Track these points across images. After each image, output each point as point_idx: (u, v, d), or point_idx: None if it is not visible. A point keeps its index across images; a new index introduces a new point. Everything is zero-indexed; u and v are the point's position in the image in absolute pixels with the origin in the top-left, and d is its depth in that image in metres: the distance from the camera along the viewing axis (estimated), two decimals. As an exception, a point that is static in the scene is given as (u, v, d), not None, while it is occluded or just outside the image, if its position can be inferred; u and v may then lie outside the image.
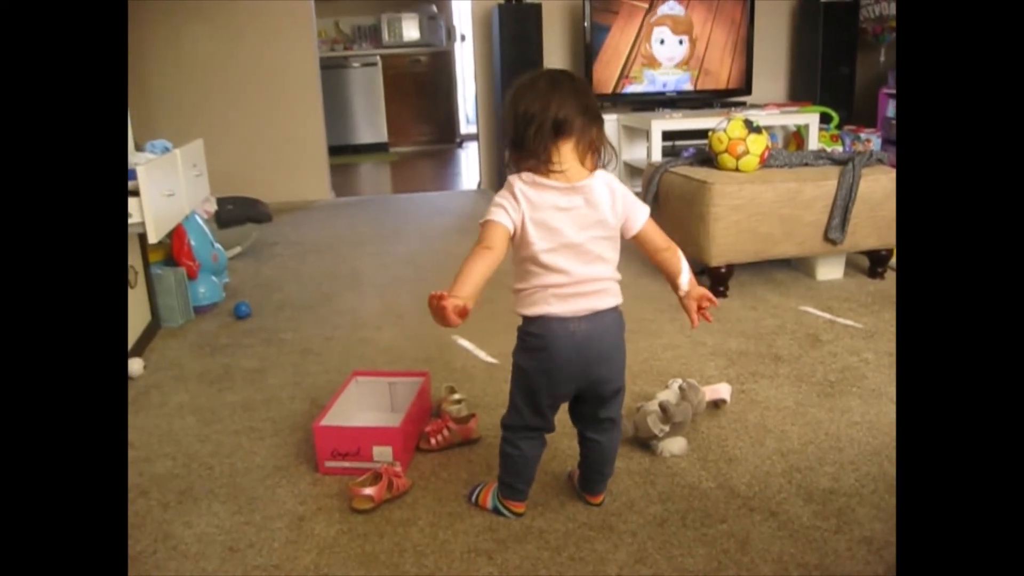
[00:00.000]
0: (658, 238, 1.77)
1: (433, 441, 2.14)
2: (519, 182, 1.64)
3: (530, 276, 1.68)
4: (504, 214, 1.63)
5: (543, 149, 1.62)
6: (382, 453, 2.00)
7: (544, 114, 1.61)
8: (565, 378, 1.70)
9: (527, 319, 1.71)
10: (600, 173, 1.68)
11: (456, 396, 2.33)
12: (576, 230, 1.64)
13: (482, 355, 2.80)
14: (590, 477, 1.86)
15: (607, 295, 1.69)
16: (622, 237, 1.72)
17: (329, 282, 3.81)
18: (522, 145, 1.64)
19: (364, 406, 2.32)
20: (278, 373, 2.73)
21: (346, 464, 2.02)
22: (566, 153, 1.63)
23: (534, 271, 1.67)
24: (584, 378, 1.71)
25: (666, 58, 5.85)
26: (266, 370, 2.76)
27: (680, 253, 1.80)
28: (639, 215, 1.72)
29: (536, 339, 1.69)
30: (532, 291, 1.68)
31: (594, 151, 1.67)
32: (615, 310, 1.71)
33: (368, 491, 1.87)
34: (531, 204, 1.63)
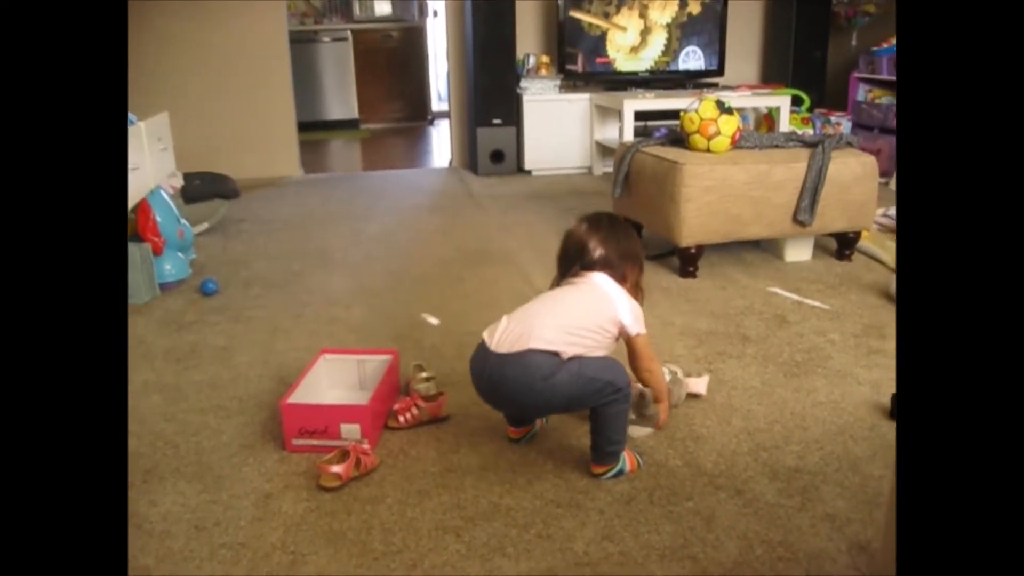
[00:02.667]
0: (641, 360, 2.00)
1: (402, 419, 2.13)
2: None
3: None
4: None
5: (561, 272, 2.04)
6: (350, 431, 1.99)
7: (569, 248, 2.01)
8: (488, 398, 1.97)
9: None
10: (610, 277, 1.96)
11: (425, 374, 2.32)
12: (561, 298, 1.98)
13: (452, 333, 2.79)
14: (592, 445, 1.92)
15: (575, 346, 1.85)
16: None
17: (299, 259, 3.78)
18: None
19: (332, 384, 2.31)
20: (246, 351, 2.71)
21: (314, 442, 2.01)
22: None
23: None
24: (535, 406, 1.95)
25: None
26: (233, 348, 2.74)
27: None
28: (633, 325, 1.93)
29: None
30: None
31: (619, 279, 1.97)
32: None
33: (336, 469, 1.86)
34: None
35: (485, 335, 1.88)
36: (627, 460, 1.93)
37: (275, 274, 3.56)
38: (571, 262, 1.97)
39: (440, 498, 1.84)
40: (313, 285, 3.40)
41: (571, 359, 1.81)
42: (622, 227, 2.03)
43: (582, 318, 1.86)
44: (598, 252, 1.94)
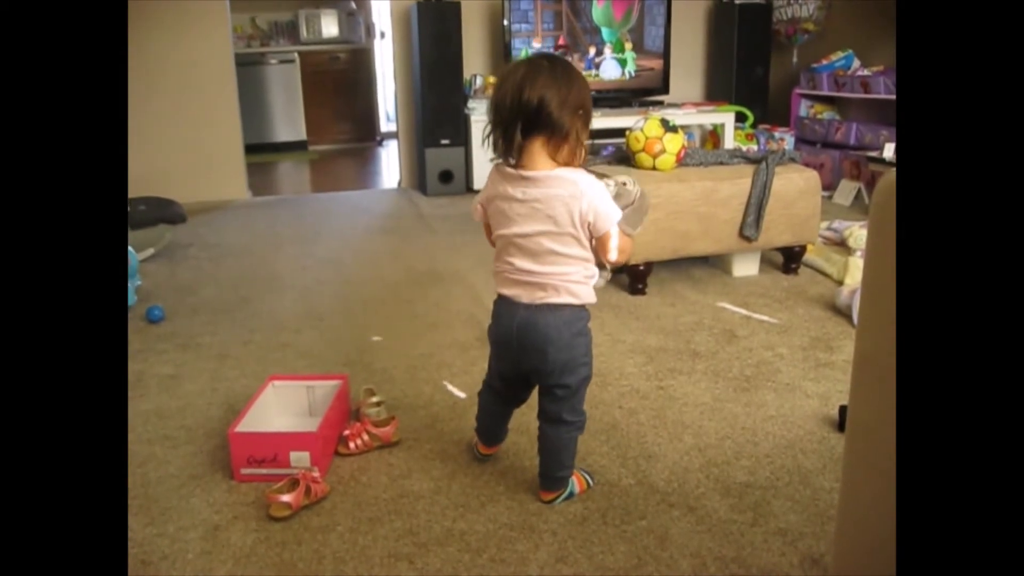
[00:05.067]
0: (604, 253, 1.75)
1: (352, 445, 2.11)
2: (495, 165, 1.74)
3: (497, 255, 1.81)
4: (481, 194, 1.80)
5: (504, 140, 1.66)
6: (299, 459, 1.96)
7: (512, 104, 1.63)
8: (504, 355, 1.85)
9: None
10: (567, 170, 1.68)
11: (375, 399, 2.30)
12: (525, 222, 1.70)
13: (402, 357, 2.77)
14: (540, 471, 1.90)
15: (556, 292, 1.73)
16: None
17: (247, 284, 3.73)
18: (493, 132, 1.68)
19: (281, 411, 2.28)
20: (194, 379, 2.66)
21: (263, 471, 1.98)
22: (531, 146, 1.66)
23: (498, 252, 1.80)
24: (519, 362, 1.81)
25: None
26: (181, 376, 2.69)
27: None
28: (600, 224, 1.68)
29: (494, 313, 1.84)
30: (496, 270, 1.82)
31: (568, 146, 1.67)
32: (563, 307, 1.74)
33: (285, 498, 1.83)
34: (492, 188, 1.75)
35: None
36: (576, 483, 1.91)
37: (223, 300, 3.51)
38: (508, 126, 1.65)
39: (392, 524, 1.82)
40: (262, 310, 3.35)
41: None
42: (569, 71, 1.69)
43: (576, 247, 1.71)
44: (554, 122, 1.63)
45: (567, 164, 1.68)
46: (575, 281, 1.74)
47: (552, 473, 1.86)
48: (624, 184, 1.82)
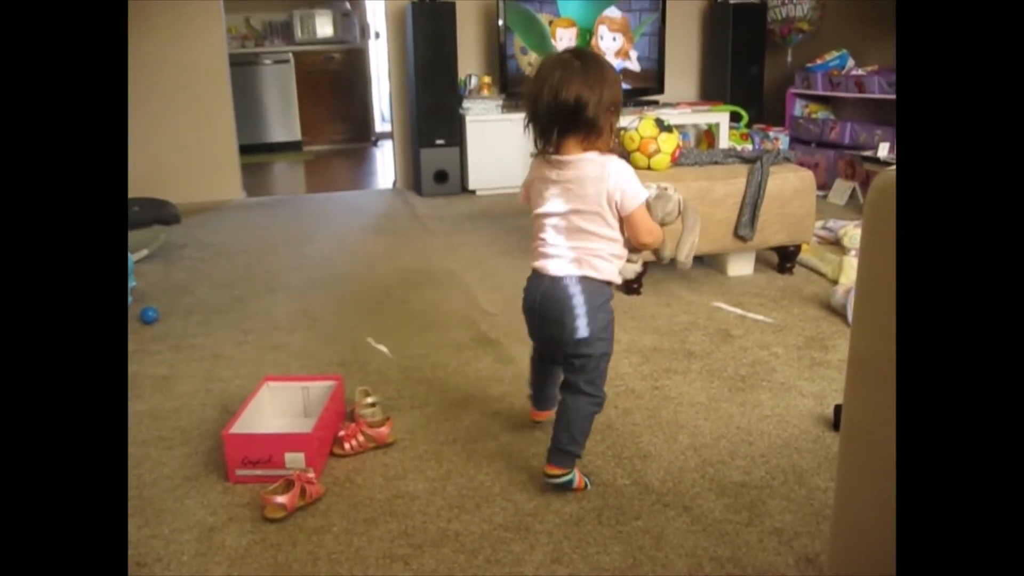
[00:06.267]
0: (634, 235, 1.88)
1: (347, 446, 2.10)
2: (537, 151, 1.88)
3: (534, 233, 1.93)
4: (526, 177, 1.96)
5: (542, 137, 1.83)
6: (294, 460, 1.96)
7: (548, 107, 1.77)
8: (529, 323, 1.98)
9: None
10: (596, 154, 1.82)
11: (370, 399, 2.30)
12: (558, 201, 1.85)
13: (397, 357, 2.77)
14: (551, 444, 1.93)
15: (579, 264, 1.85)
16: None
17: (241, 285, 3.72)
18: (532, 127, 1.84)
19: (276, 412, 2.27)
20: (188, 380, 2.65)
21: (258, 472, 1.97)
22: (567, 140, 1.81)
23: (535, 230, 1.92)
24: (540, 330, 1.96)
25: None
26: (175, 377, 2.68)
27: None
28: (627, 203, 1.82)
29: (525, 287, 1.95)
30: (532, 247, 1.94)
31: (602, 139, 1.82)
32: (586, 279, 1.85)
33: (280, 499, 1.83)
34: (533, 172, 1.91)
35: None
36: (576, 478, 1.93)
37: (217, 300, 3.50)
38: (545, 126, 1.81)
39: (388, 526, 1.82)
40: (256, 311, 3.35)
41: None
42: (601, 67, 1.80)
43: (605, 225, 1.84)
44: (584, 115, 1.76)
45: (598, 150, 1.83)
46: (599, 256, 1.85)
47: (562, 446, 1.90)
48: (665, 188, 1.96)
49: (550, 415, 2.10)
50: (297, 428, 2.16)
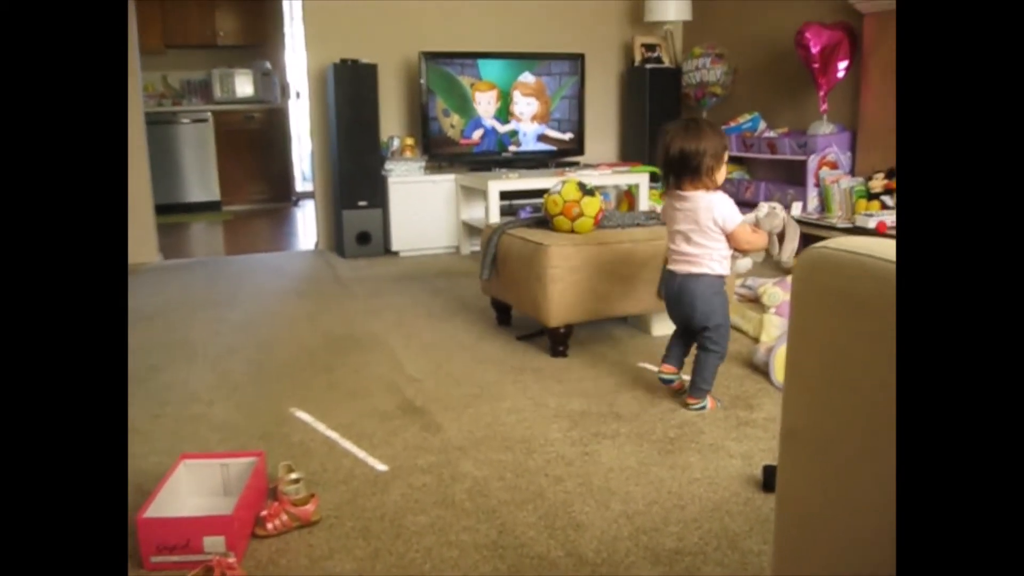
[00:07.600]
0: (735, 244, 2.73)
1: (270, 526, 2.02)
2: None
3: (668, 243, 2.82)
4: (662, 205, 2.92)
5: (665, 176, 2.77)
6: (214, 544, 1.87)
7: (667, 158, 2.69)
8: (668, 306, 2.87)
9: None
10: (704, 191, 2.67)
11: (293, 475, 2.22)
12: (681, 222, 2.72)
13: (321, 428, 2.70)
14: (690, 383, 2.81)
15: (697, 265, 2.71)
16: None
17: (157, 353, 3.59)
18: (662, 173, 2.79)
19: (194, 491, 2.17)
20: (98, 457, 2.52)
21: (174, 558, 1.87)
22: (683, 181, 2.69)
23: (669, 240, 2.82)
24: (677, 313, 2.83)
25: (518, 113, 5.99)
26: (85, 454, 2.55)
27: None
28: (727, 225, 2.67)
29: (662, 280, 3.01)
30: (667, 253, 2.84)
31: (707, 178, 2.67)
32: (704, 276, 2.72)
33: (199, 587, 1.74)
34: (666, 201, 2.80)
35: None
36: (709, 403, 2.77)
37: (132, 370, 3.36)
38: (667, 172, 2.73)
39: (313, 610, 1.74)
40: (173, 381, 3.23)
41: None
42: (700, 129, 2.66)
43: (712, 239, 2.70)
44: (690, 163, 2.63)
45: (706, 188, 2.67)
46: (712, 259, 2.71)
47: (698, 384, 2.77)
48: (773, 208, 2.78)
49: (674, 371, 2.87)
50: (216, 509, 2.07)
